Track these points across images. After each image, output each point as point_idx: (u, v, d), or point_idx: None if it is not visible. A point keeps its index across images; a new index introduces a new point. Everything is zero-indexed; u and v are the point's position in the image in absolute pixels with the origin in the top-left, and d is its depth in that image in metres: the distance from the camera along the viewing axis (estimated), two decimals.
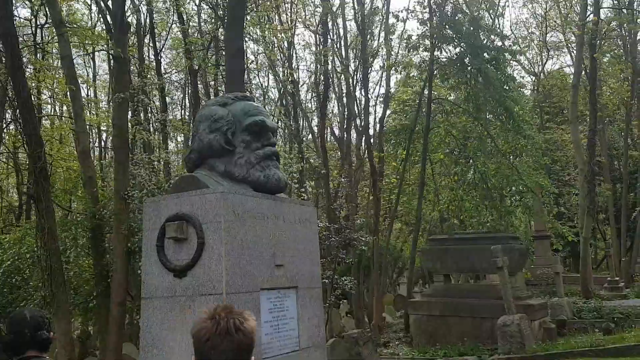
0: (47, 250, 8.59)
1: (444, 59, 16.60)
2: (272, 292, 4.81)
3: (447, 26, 15.91)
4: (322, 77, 20.73)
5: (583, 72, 24.27)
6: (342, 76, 20.57)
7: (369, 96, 16.63)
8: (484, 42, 15.81)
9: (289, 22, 20.79)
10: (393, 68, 18.51)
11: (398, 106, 20.24)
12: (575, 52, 24.69)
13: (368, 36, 17.58)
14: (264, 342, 4.59)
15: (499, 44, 16.40)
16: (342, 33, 21.21)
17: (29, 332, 2.20)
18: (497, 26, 21.44)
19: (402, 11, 16.90)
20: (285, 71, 21.90)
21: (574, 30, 26.82)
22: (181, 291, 4.44)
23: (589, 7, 22.80)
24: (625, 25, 24.49)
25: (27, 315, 2.25)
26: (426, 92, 16.74)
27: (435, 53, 16.51)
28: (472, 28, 15.80)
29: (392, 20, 16.60)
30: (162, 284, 4.51)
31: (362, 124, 20.73)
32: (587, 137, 23.19)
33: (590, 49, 21.77)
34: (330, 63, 17.86)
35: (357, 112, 20.40)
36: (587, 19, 22.03)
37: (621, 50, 29.14)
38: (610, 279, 20.79)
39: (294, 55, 23.04)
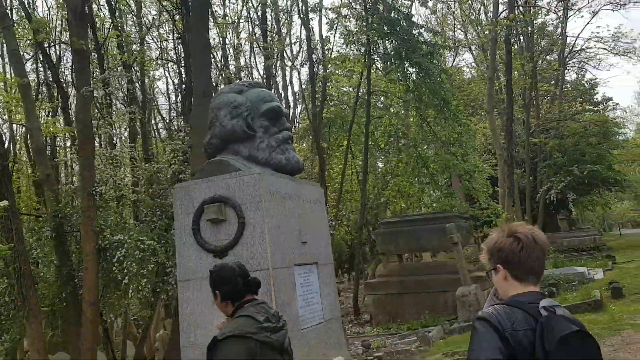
0: (15, 252, 8.24)
1: (381, 52, 17.33)
2: (301, 267, 5.10)
3: (383, 22, 16.63)
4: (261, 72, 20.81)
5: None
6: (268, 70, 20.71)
7: (315, 88, 16.99)
8: (418, 37, 16.71)
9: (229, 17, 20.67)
10: (331, 62, 19.06)
11: (327, 100, 20.82)
12: (489, 47, 26.53)
13: (311, 31, 17.97)
14: (300, 314, 4.87)
15: (431, 39, 17.38)
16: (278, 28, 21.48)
17: (242, 279, 2.42)
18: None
19: (341, 8, 17.31)
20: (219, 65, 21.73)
21: (479, 28, 28.93)
22: None
23: (500, 5, 24.75)
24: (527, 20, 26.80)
25: (234, 266, 2.45)
26: (365, 84, 17.42)
27: (373, 47, 17.22)
28: (405, 24, 16.65)
29: (331, 15, 17.16)
30: (201, 266, 4.65)
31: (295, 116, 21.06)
32: (504, 125, 25.16)
33: (506, 43, 23.56)
34: (276, 57, 18.02)
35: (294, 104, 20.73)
36: (500, 16, 23.90)
37: (517, 47, 31.75)
38: None
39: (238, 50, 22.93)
